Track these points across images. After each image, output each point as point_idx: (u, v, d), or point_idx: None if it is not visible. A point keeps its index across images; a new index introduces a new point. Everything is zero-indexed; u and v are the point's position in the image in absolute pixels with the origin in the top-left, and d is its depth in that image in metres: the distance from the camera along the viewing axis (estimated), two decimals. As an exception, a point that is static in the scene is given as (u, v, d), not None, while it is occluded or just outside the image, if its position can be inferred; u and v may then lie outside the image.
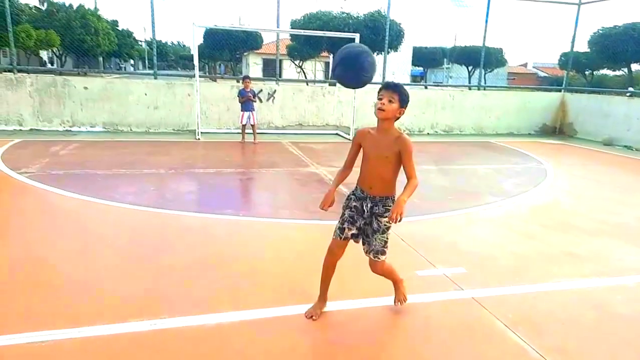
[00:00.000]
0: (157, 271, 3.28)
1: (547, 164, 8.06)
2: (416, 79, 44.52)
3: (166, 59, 58.86)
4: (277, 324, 2.69)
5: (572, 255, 3.92)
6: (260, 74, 36.25)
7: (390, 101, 2.48)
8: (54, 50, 31.33)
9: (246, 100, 8.88)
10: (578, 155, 9.45)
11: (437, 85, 27.75)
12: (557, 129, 12.50)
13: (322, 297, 2.82)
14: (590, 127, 11.58)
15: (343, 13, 15.06)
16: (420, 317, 2.83)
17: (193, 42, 9.21)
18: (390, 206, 2.57)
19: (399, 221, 2.39)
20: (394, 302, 2.87)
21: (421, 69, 40.99)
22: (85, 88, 9.31)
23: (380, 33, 11.26)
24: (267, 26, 10.60)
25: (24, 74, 9.22)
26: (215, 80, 23.64)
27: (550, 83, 36.71)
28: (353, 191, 2.68)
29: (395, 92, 2.49)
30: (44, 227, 4.12)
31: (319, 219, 4.58)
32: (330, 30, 13.34)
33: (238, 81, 12.22)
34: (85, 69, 30.06)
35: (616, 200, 5.87)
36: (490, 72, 34.72)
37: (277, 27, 10.49)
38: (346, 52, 2.55)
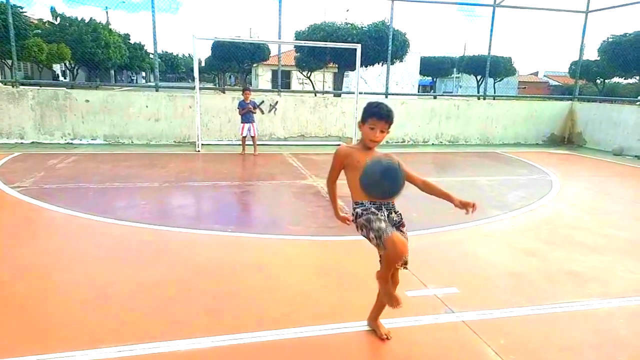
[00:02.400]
0: (132, 292, 3.14)
1: (553, 175, 7.82)
2: (426, 88, 44.39)
3: (177, 71, 59.49)
4: (254, 352, 2.53)
5: (574, 274, 3.70)
6: (269, 85, 36.45)
7: (382, 132, 2.43)
8: (66, 64, 31.79)
9: (246, 112, 8.80)
10: (586, 166, 9.19)
11: (446, 95, 27.57)
12: (566, 139, 12.23)
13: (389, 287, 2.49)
14: (599, 137, 11.30)
15: (347, 24, 15.01)
16: (405, 344, 2.65)
17: (194, 54, 9.20)
18: (398, 211, 2.47)
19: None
20: (382, 335, 2.66)
21: (430, 78, 40.84)
22: (87, 101, 9.31)
23: (384, 43, 11.16)
24: (272, 38, 10.49)
25: (26, 87, 9.27)
26: (224, 92, 23.77)
27: (562, 92, 36.32)
28: (362, 206, 2.41)
29: (388, 123, 2.43)
30: (22, 243, 4.02)
31: (310, 235, 4.44)
32: (334, 41, 13.28)
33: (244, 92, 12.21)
34: (97, 82, 30.51)
35: (625, 214, 5.64)
36: (499, 81, 34.49)
37: (279, 38, 10.44)
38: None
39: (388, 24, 11.63)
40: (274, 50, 29.44)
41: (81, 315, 2.82)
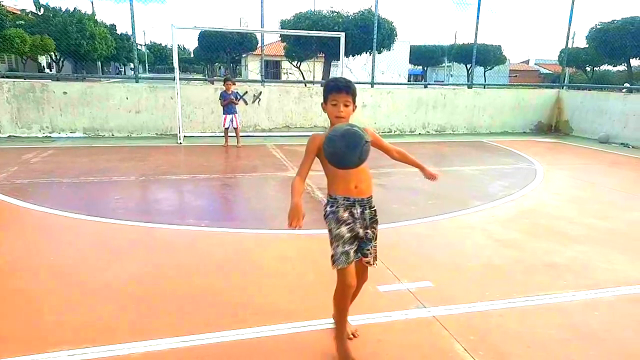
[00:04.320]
0: (92, 291, 3.03)
1: (538, 164, 7.77)
2: (417, 78, 44.22)
3: (167, 62, 58.83)
4: (216, 352, 2.44)
5: (551, 266, 3.64)
6: (258, 76, 36.04)
7: (346, 105, 2.26)
8: (51, 56, 31.22)
9: (228, 103, 8.64)
10: (572, 154, 9.15)
11: (437, 84, 27.41)
12: (553, 127, 12.19)
13: (344, 332, 2.43)
14: (586, 125, 11.27)
15: (333, 12, 14.80)
16: (371, 341, 2.57)
17: (173, 43, 9.00)
18: (374, 207, 2.35)
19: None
20: (348, 334, 2.54)
21: (420, 67, 40.66)
22: (65, 93, 9.09)
23: (371, 32, 10.98)
24: (259, 27, 10.30)
25: (1, 80, 9.02)
26: (212, 83, 23.48)
27: (553, 80, 36.31)
28: (334, 203, 2.29)
29: (349, 94, 2.26)
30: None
31: (286, 228, 4.33)
32: (320, 30, 13.09)
33: (234, 83, 11.98)
34: (83, 74, 30.00)
35: (609, 203, 5.59)
36: (490, 69, 34.43)
37: (262, 27, 10.25)
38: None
39: (374, 12, 11.46)
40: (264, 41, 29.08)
41: (35, 317, 2.70)
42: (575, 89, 12.75)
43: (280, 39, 18.67)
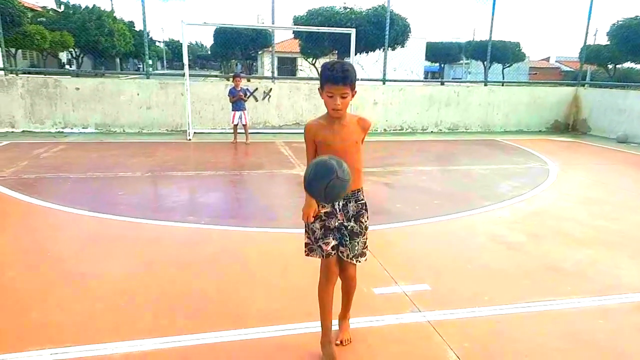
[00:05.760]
0: (82, 289, 3.01)
1: (551, 163, 7.56)
2: (434, 75, 43.67)
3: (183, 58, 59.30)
4: (199, 353, 2.39)
5: (555, 270, 3.50)
6: (275, 72, 35.99)
7: (343, 97, 2.11)
8: (71, 52, 31.72)
9: (237, 100, 8.61)
10: (588, 154, 8.89)
11: (454, 82, 27.02)
12: (570, 126, 11.87)
13: (328, 336, 2.38)
14: (604, 124, 10.94)
15: (346, 8, 14.66)
16: (362, 347, 2.49)
17: (183, 39, 9.00)
18: (362, 200, 2.28)
19: None
20: (337, 339, 2.48)
21: (437, 64, 40.11)
22: (77, 89, 9.18)
23: (384, 28, 10.83)
24: (275, 24, 10.25)
25: (15, 75, 9.16)
26: (228, 79, 23.51)
27: (574, 77, 35.42)
28: None
29: (346, 85, 2.10)
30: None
31: (285, 227, 4.28)
32: (333, 26, 12.98)
33: (249, 80, 11.98)
34: (102, 70, 30.45)
35: (621, 205, 5.39)
36: (509, 66, 33.77)
37: (273, 23, 10.19)
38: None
39: (387, 8, 11.30)
40: (278, 37, 29.02)
41: (22, 314, 2.69)
42: (595, 87, 12.38)
43: (293, 35, 18.58)
